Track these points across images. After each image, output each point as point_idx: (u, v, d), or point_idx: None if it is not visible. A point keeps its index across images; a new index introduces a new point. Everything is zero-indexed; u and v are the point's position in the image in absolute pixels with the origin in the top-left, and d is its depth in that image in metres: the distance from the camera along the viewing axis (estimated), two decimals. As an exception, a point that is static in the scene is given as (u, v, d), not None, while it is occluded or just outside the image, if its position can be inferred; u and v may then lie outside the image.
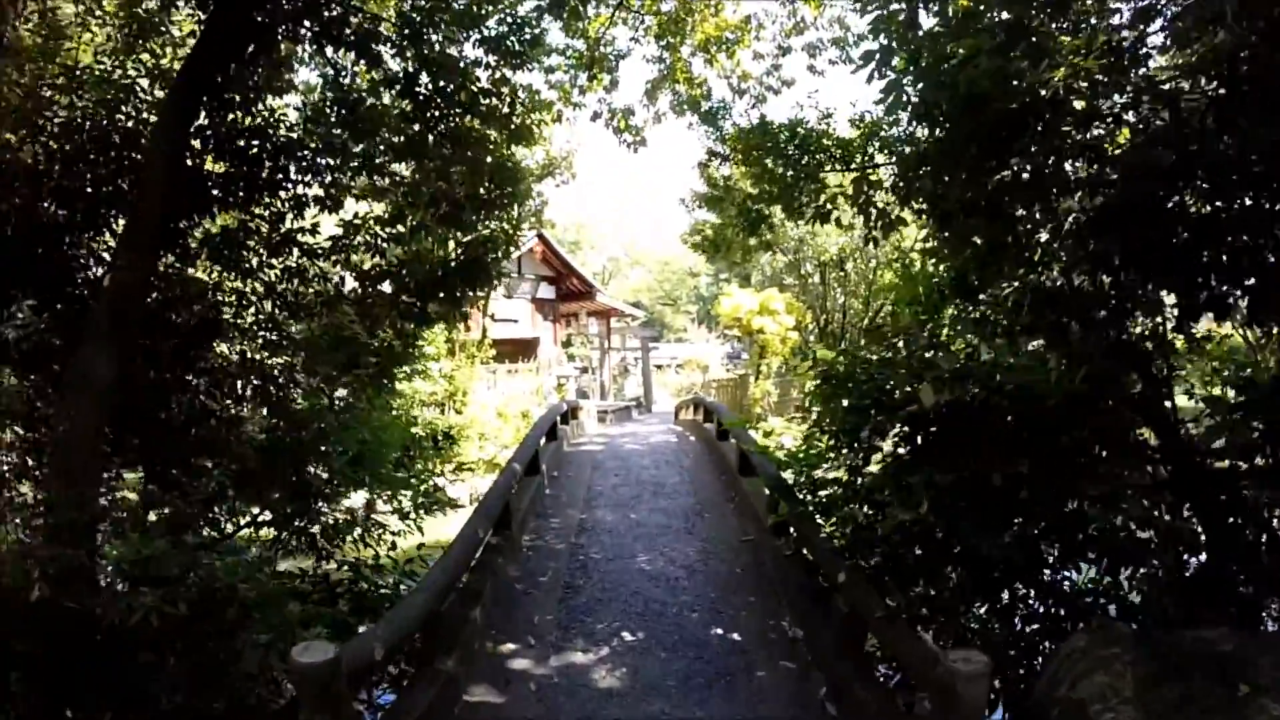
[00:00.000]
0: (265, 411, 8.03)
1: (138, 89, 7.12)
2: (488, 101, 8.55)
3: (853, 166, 9.74)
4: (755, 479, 9.79)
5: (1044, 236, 5.56)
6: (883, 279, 26.88)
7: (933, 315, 6.84)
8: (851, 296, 28.24)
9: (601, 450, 15.20)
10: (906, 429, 5.59)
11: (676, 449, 15.12)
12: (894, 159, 8.90)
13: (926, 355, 5.73)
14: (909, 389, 5.31)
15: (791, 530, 7.54)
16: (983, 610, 5.69)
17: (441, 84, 8.07)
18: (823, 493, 7.06)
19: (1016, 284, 5.75)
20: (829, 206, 9.75)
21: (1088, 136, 5.17)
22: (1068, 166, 5.26)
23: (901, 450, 5.78)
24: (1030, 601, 5.60)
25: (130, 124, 7.05)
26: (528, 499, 9.90)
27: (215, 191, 7.37)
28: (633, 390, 38.83)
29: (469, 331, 24.27)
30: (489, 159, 8.80)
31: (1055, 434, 4.98)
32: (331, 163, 8.07)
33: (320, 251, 8.25)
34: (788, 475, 7.94)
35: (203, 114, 6.96)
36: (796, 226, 25.46)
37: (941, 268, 6.89)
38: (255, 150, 7.46)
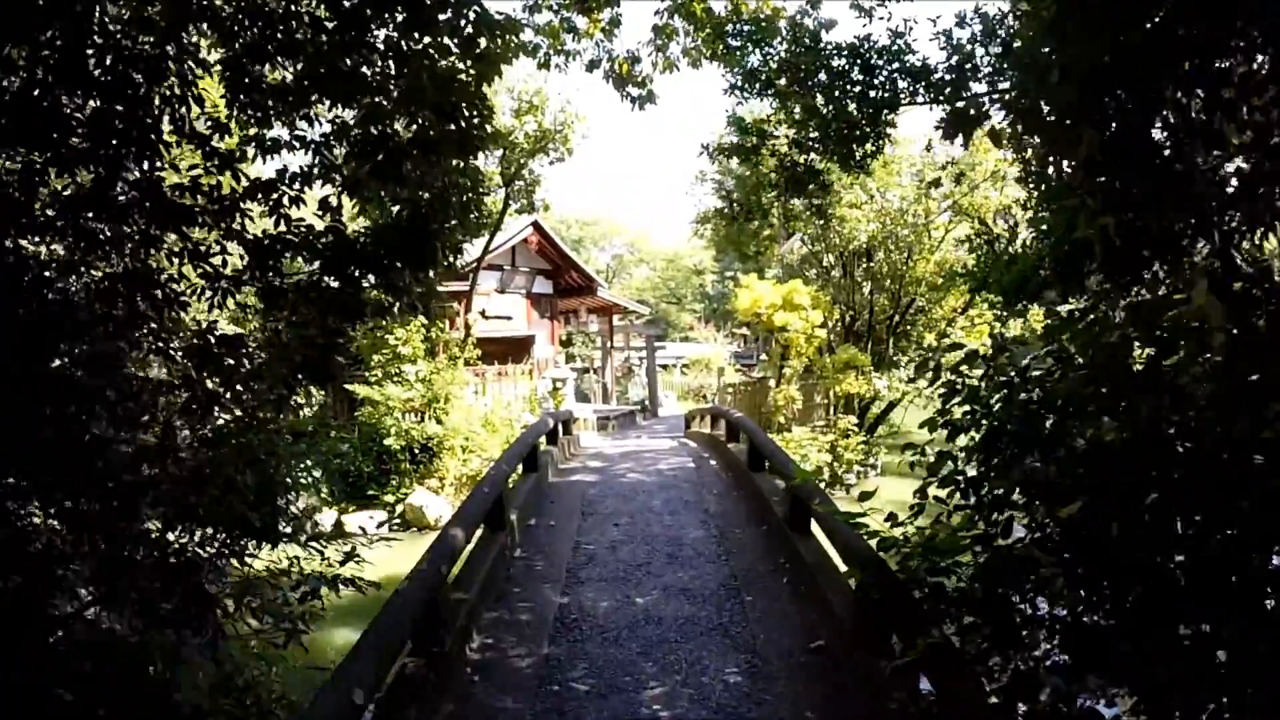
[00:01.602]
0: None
1: None
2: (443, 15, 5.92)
3: (944, 96, 7.11)
4: (811, 538, 7.12)
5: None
6: (915, 270, 24.35)
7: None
8: (880, 292, 25.61)
9: (597, 481, 12.23)
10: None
11: (695, 480, 12.03)
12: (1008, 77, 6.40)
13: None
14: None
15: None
16: None
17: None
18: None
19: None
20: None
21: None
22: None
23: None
24: None
25: None
26: (482, 575, 6.74)
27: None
28: (637, 392, 36.10)
29: (454, 329, 21.72)
30: (439, 82, 6.15)
31: None
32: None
33: (198, 213, 5.53)
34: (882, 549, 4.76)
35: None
36: (818, 212, 22.95)
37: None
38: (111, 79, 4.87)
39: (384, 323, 18.36)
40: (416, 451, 17.61)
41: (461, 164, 6.72)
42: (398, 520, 17.14)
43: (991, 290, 9.74)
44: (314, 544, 6.05)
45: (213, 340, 5.46)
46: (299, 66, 5.54)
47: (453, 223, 6.60)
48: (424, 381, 18.17)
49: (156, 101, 5.17)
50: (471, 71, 6.30)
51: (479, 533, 7.29)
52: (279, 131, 5.80)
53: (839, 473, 20.94)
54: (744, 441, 12.08)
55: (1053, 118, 3.79)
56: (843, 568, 6.00)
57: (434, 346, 19.35)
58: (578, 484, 11.94)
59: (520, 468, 10.53)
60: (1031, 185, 7.82)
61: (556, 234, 32.36)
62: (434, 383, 18.17)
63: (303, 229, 5.73)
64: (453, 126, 6.00)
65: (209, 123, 5.58)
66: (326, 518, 17.00)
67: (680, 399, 40.45)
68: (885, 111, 7.53)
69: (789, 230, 26.11)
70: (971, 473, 4.19)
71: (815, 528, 7.05)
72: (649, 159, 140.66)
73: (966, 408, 4.25)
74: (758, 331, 23.99)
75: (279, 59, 5.55)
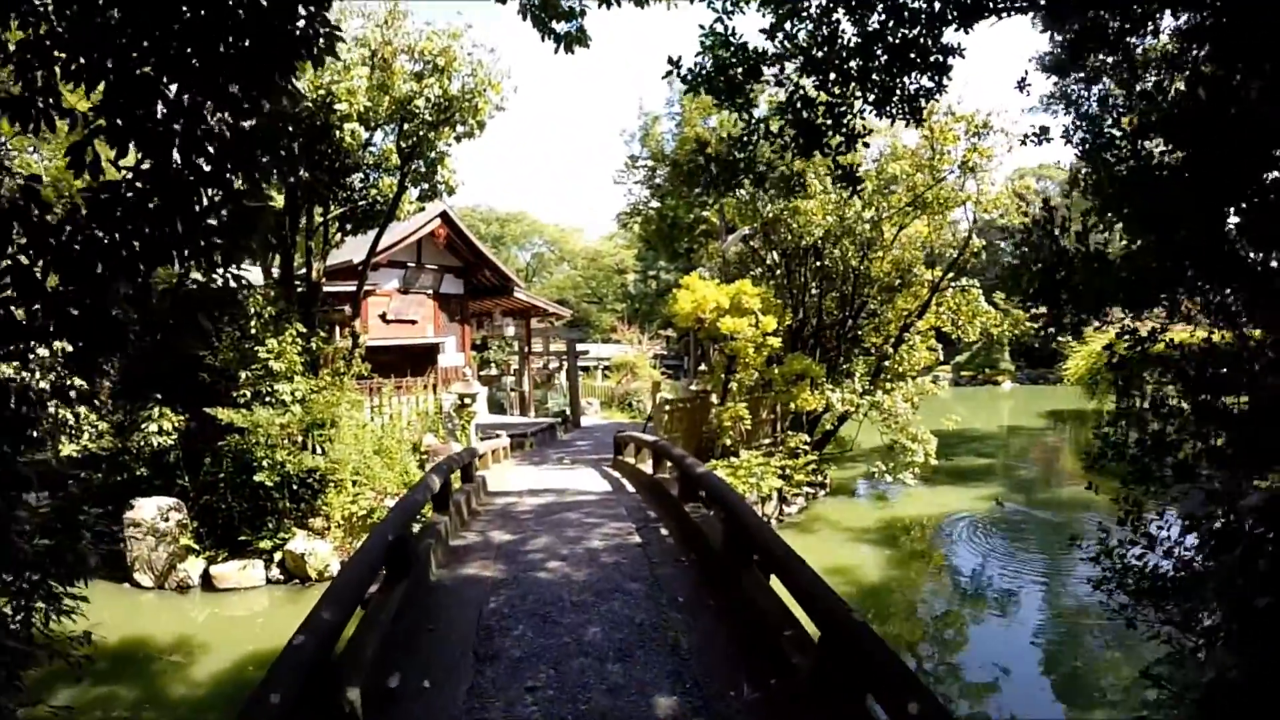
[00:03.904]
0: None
1: None
2: None
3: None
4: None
5: None
6: (872, 269, 21.93)
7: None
8: (829, 293, 23.13)
9: (503, 578, 8.33)
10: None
11: (646, 576, 8.26)
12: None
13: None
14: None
15: None
16: None
17: None
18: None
19: None
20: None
21: None
22: None
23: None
24: None
25: None
26: None
27: None
28: (558, 401, 33.06)
29: (343, 337, 18.48)
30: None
31: None
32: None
33: None
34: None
35: None
36: (772, 201, 20.36)
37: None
38: None
39: (251, 328, 15.16)
40: (295, 487, 14.35)
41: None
42: (278, 571, 13.97)
43: (1016, 293, 7.24)
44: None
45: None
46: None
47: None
48: (302, 402, 14.93)
49: None
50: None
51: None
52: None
53: (789, 495, 18.54)
54: (706, 505, 9.46)
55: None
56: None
57: (316, 359, 16.10)
58: (474, 585, 8.08)
59: (386, 571, 7.34)
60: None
61: (471, 229, 29.18)
62: (315, 403, 14.91)
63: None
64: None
65: None
66: (193, 568, 14.03)
67: (604, 406, 37.52)
68: (966, 18, 4.89)
69: (730, 225, 23.53)
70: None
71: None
72: (576, 152, 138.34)
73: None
74: (702, 335, 21.12)
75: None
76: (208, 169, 3.82)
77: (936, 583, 14.71)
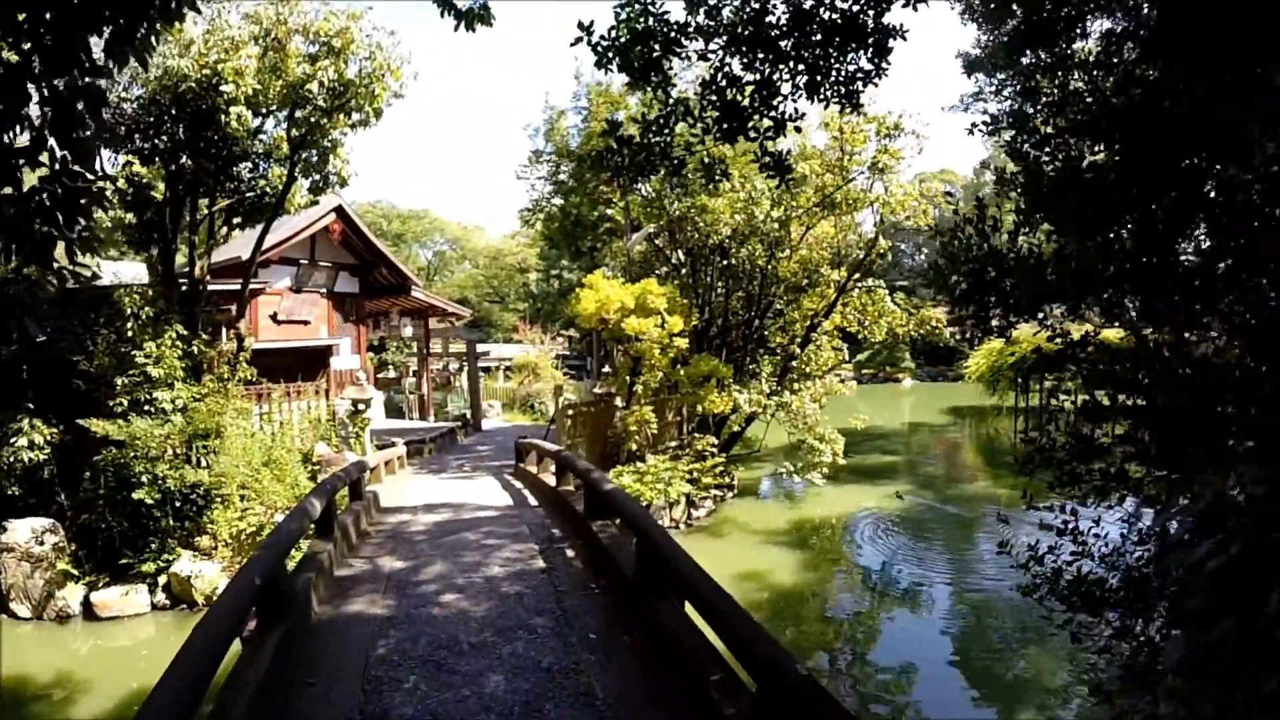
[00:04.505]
0: None
1: None
2: None
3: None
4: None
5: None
6: (779, 269, 21.82)
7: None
8: (735, 293, 22.96)
9: (392, 615, 7.34)
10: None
11: (553, 608, 7.42)
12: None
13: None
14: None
15: None
16: None
17: None
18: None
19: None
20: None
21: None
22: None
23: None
24: None
25: None
26: None
27: None
28: (458, 405, 32.23)
29: (229, 339, 17.45)
30: None
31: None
32: None
33: None
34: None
35: None
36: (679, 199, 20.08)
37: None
38: None
39: (128, 330, 14.10)
40: (179, 504, 13.33)
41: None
42: (163, 596, 12.98)
43: (943, 293, 7.05)
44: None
45: None
46: None
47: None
48: (184, 411, 13.95)
49: None
50: None
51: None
52: None
53: (696, 499, 18.20)
54: (619, 526, 8.88)
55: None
56: None
57: (199, 364, 15.10)
58: (361, 625, 7.04)
59: (259, 615, 6.31)
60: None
61: (372, 226, 28.14)
62: (198, 412, 13.94)
63: None
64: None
65: None
66: (73, 595, 12.93)
67: (505, 408, 36.78)
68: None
69: (635, 222, 23.17)
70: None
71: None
72: (481, 150, 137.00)
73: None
74: (606, 336, 20.66)
75: None
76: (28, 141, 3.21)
77: (848, 582, 14.69)
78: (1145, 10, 5.60)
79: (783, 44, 5.20)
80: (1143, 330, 5.76)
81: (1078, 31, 6.36)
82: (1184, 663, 4.11)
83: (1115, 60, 5.80)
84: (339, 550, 9.34)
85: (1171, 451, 5.59)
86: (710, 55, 5.38)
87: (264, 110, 15.40)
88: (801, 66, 5.27)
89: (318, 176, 16.21)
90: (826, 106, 5.62)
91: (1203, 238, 5.54)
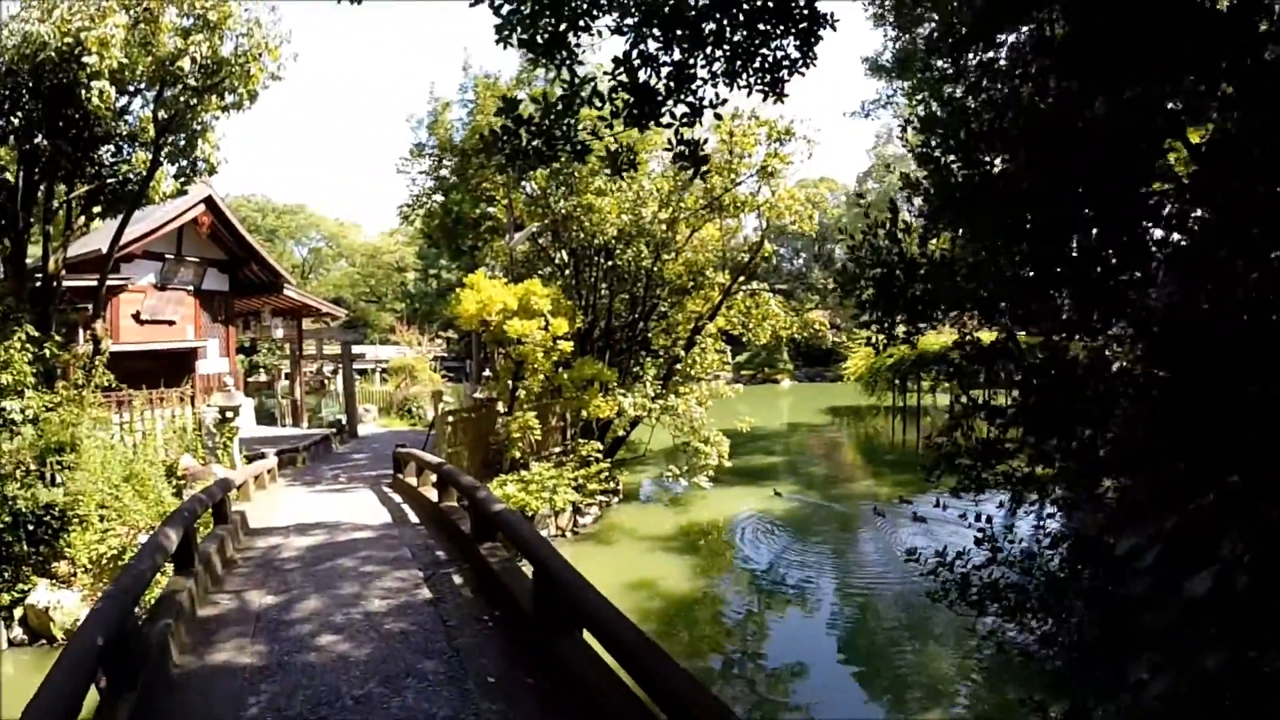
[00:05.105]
0: None
1: None
2: None
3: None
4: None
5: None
6: (665, 270, 21.74)
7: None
8: (619, 294, 22.79)
9: (259, 663, 6.36)
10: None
11: (443, 648, 6.55)
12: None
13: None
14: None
15: None
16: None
17: None
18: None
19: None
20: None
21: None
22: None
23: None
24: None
25: None
26: None
27: None
28: (333, 409, 31.10)
29: (87, 342, 16.21)
30: None
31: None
32: None
33: None
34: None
35: None
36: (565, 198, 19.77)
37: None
38: None
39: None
40: (32, 527, 12.19)
41: None
42: (20, 630, 11.80)
43: (850, 298, 7.09)
44: None
45: None
46: None
47: None
48: (35, 422, 12.86)
49: None
50: None
51: None
52: None
53: (583, 506, 17.95)
54: (505, 542, 8.45)
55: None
56: None
57: (52, 369, 13.99)
58: (228, 679, 6.05)
59: (107, 682, 5.33)
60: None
61: (245, 220, 26.81)
62: (51, 423, 12.84)
63: None
64: None
65: None
66: None
67: (383, 413, 35.74)
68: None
69: (518, 221, 22.73)
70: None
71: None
72: (361, 146, 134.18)
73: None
74: (487, 338, 20.10)
75: None
76: None
77: (737, 584, 14.70)
78: (1054, 28, 5.63)
79: (704, 25, 4.92)
80: (1017, 332, 5.82)
81: (989, 42, 6.36)
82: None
83: (1026, 72, 5.81)
84: (201, 585, 8.26)
85: (1042, 449, 5.65)
86: (625, 31, 5.02)
87: (130, 88, 14.22)
88: (723, 50, 4.99)
89: (185, 162, 15.04)
90: (749, 94, 5.34)
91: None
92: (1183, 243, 5.24)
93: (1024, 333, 5.87)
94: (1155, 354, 5.27)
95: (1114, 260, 5.24)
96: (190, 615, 7.36)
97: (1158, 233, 5.39)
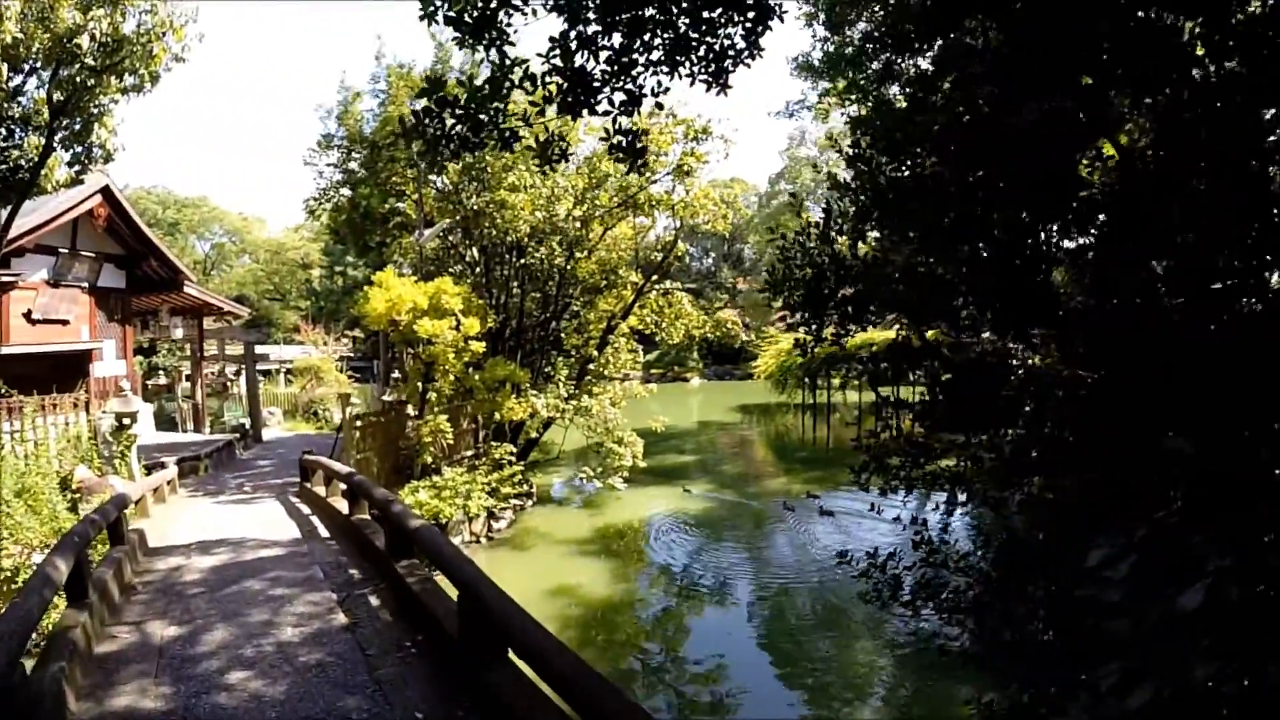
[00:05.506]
0: None
1: None
2: None
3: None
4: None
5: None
6: (578, 269, 21.61)
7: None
8: (531, 293, 22.58)
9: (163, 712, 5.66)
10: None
11: (365, 680, 6.00)
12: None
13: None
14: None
15: None
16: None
17: None
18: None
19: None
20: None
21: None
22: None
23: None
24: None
25: None
26: None
27: None
28: (236, 413, 30.02)
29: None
30: None
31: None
32: None
33: None
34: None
35: None
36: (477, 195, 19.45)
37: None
38: None
39: None
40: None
41: None
42: None
43: (778, 300, 7.13)
44: None
45: None
46: None
47: None
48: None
49: None
50: None
51: None
52: None
53: (496, 510, 17.62)
54: (422, 557, 8.11)
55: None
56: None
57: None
58: None
59: None
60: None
61: (145, 212, 25.60)
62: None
63: None
64: None
65: None
66: None
67: (288, 415, 34.74)
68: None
69: (428, 218, 22.29)
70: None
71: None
72: (267, 139, 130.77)
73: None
74: (396, 338, 19.59)
75: None
76: None
77: (655, 584, 14.69)
78: (988, 36, 5.69)
79: (647, 9, 4.75)
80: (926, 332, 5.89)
81: (928, 46, 6.41)
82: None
83: (958, 78, 5.85)
84: (97, 618, 7.51)
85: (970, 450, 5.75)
86: (562, 11, 4.78)
87: (24, 67, 13.36)
88: (666, 37, 4.84)
89: (81, 148, 14.09)
90: (692, 84, 5.17)
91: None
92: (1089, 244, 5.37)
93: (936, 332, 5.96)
94: (1072, 354, 5.37)
95: (1028, 261, 5.32)
96: (86, 654, 6.71)
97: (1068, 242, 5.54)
